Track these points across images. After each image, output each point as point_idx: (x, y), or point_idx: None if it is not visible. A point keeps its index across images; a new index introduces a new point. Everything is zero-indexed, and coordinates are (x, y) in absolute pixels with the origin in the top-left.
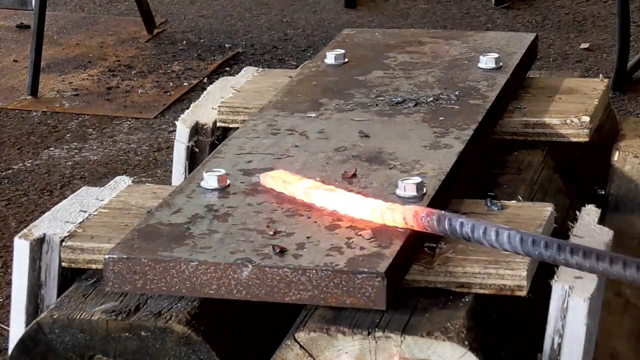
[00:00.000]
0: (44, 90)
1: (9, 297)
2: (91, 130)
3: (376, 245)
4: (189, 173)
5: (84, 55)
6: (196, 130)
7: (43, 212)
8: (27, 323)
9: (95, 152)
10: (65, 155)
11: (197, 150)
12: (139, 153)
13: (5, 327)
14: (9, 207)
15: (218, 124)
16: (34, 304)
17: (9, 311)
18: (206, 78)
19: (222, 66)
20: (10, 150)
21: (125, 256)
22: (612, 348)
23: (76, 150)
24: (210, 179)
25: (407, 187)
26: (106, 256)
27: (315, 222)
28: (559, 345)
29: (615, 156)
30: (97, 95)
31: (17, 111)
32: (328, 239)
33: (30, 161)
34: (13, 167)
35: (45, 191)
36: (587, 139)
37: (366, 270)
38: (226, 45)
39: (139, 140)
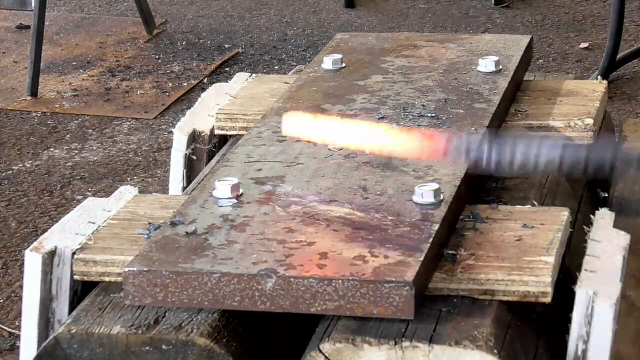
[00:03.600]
0: (43, 91)
1: (9, 297)
2: (91, 130)
3: (400, 253)
4: (187, 181)
5: (84, 56)
6: (193, 137)
7: (43, 213)
8: (39, 337)
9: (95, 152)
10: (65, 156)
11: (194, 158)
12: (139, 153)
13: (5, 328)
14: (9, 207)
15: (216, 132)
16: (45, 319)
17: (9, 312)
18: (206, 78)
19: (222, 66)
20: (10, 151)
21: (145, 269)
22: (616, 351)
23: (76, 151)
24: (222, 188)
25: (425, 193)
26: (126, 269)
27: (335, 230)
28: (584, 351)
29: None
30: (96, 96)
31: (16, 112)
32: (350, 247)
33: (30, 162)
34: (13, 167)
35: (45, 192)
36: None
37: (394, 279)
38: (226, 45)
39: (139, 141)
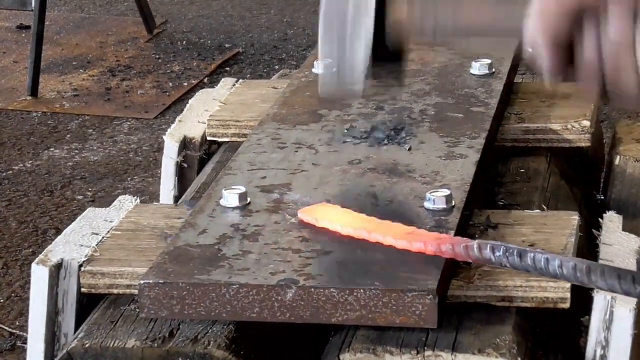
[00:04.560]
0: (44, 91)
1: (9, 297)
2: (91, 130)
3: (420, 261)
4: (178, 188)
5: (84, 56)
6: (184, 144)
7: (43, 213)
8: (46, 351)
9: (95, 152)
10: (65, 156)
11: (185, 165)
12: (139, 153)
13: (6, 328)
14: (9, 207)
15: (208, 138)
16: (52, 332)
17: (9, 312)
18: (206, 78)
19: (222, 66)
20: (11, 150)
21: (161, 281)
22: None
23: (76, 151)
24: (230, 197)
25: (436, 200)
26: (141, 281)
27: (351, 238)
28: (602, 356)
29: (617, 160)
30: (97, 96)
31: (17, 112)
32: (367, 256)
33: (30, 162)
34: (13, 167)
35: (45, 192)
36: (588, 144)
37: (416, 288)
38: (226, 45)
39: (139, 141)
